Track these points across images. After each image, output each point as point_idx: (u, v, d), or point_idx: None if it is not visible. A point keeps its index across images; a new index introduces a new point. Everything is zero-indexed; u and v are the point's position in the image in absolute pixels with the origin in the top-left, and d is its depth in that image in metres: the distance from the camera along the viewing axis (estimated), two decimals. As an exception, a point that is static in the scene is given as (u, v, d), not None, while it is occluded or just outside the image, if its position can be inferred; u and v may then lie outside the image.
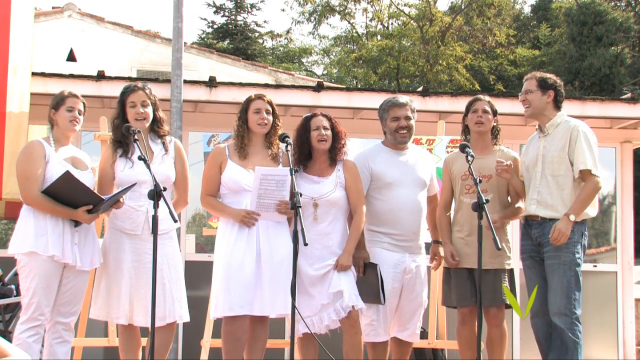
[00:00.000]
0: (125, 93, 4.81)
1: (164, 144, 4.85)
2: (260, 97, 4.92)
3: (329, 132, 4.93)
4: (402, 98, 5.27)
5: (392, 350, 5.29)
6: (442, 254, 5.26)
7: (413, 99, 5.42)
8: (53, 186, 4.51)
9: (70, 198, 4.52)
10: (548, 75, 5.26)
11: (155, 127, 4.85)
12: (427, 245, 5.39)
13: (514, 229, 8.09)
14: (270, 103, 4.92)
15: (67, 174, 4.49)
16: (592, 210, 5.08)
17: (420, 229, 5.20)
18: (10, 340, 4.38)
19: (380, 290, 4.90)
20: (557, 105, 5.20)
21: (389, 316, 5.11)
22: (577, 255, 4.98)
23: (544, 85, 5.17)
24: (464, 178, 5.19)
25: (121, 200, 4.64)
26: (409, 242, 5.13)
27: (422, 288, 5.22)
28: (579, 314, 4.97)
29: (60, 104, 4.72)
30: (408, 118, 5.19)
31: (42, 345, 4.74)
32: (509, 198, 5.27)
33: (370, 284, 4.91)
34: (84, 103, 4.81)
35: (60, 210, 4.54)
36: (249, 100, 4.93)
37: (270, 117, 4.90)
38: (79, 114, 4.75)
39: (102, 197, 4.57)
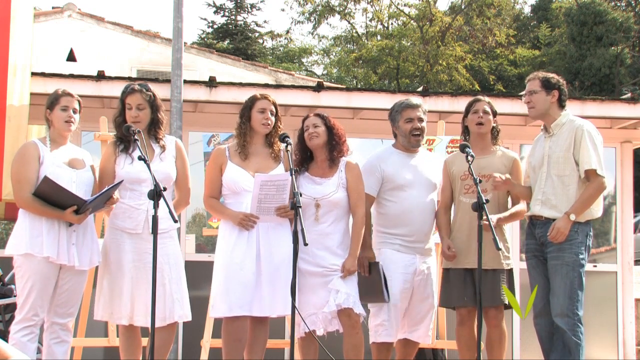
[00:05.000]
0: (124, 93, 4.82)
1: (159, 142, 4.84)
2: (265, 97, 4.92)
3: (319, 129, 4.92)
4: (415, 100, 5.27)
5: (397, 350, 5.29)
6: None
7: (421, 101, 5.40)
8: (38, 190, 4.52)
9: (57, 200, 4.52)
10: (550, 74, 5.23)
11: (153, 129, 4.84)
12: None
13: (513, 229, 8.09)
14: (274, 104, 4.92)
15: (46, 179, 4.49)
16: (597, 211, 5.07)
17: (431, 230, 5.22)
18: (8, 341, 4.39)
19: (383, 288, 4.90)
20: (561, 105, 5.18)
21: (399, 317, 5.10)
22: (580, 256, 4.97)
23: (547, 85, 5.15)
24: (464, 178, 5.19)
25: (114, 196, 4.64)
26: (420, 244, 5.14)
27: (433, 289, 5.22)
28: (581, 315, 4.96)
29: (55, 103, 4.71)
30: (421, 120, 5.19)
31: (40, 344, 4.73)
32: (508, 198, 5.27)
33: (374, 283, 4.92)
34: (79, 101, 4.79)
35: (50, 212, 4.54)
36: (253, 99, 4.92)
37: (274, 118, 4.91)
38: (74, 113, 4.73)
39: (84, 199, 4.56)
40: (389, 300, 4.97)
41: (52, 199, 4.51)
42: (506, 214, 5.16)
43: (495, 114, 5.29)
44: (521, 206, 5.22)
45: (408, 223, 5.10)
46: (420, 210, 5.13)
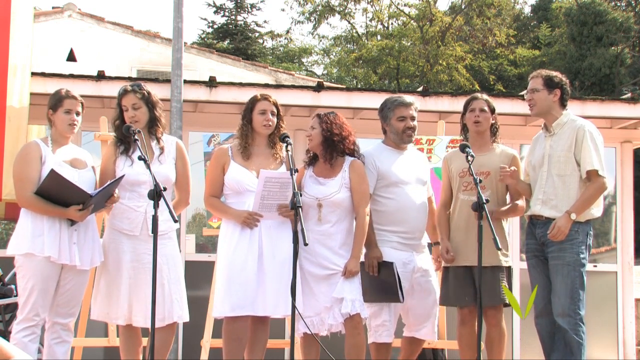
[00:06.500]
0: (119, 96, 4.82)
1: (159, 142, 4.84)
2: (266, 97, 4.91)
3: (314, 132, 4.91)
4: (408, 98, 5.24)
5: (402, 348, 5.28)
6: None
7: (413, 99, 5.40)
8: (43, 186, 4.51)
9: (61, 197, 4.51)
10: (554, 73, 5.22)
11: (152, 127, 4.84)
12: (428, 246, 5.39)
13: (513, 229, 8.09)
14: (275, 104, 4.91)
15: (52, 173, 4.48)
16: (597, 211, 5.07)
17: (425, 226, 5.21)
18: (9, 340, 4.38)
19: (398, 288, 4.87)
20: (563, 104, 5.18)
21: (396, 317, 5.10)
22: (581, 256, 4.97)
23: (550, 84, 5.15)
24: (462, 175, 5.20)
25: (115, 194, 4.64)
26: (416, 240, 5.13)
27: (435, 285, 5.21)
28: (583, 315, 4.96)
29: (58, 105, 4.70)
30: (413, 118, 5.18)
31: (41, 344, 4.73)
32: (507, 196, 5.27)
33: (388, 283, 4.88)
34: (82, 103, 4.79)
35: (53, 210, 4.54)
36: (254, 100, 4.91)
37: (275, 119, 4.90)
38: (77, 115, 4.74)
39: (89, 192, 4.56)
40: (404, 301, 4.94)
41: (56, 195, 4.51)
42: (504, 207, 5.17)
43: (493, 111, 5.29)
44: (520, 202, 5.23)
45: (406, 220, 5.08)
46: (416, 207, 5.11)
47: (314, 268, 4.83)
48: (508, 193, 5.27)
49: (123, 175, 4.63)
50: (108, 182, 4.61)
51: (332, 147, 4.89)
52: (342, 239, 4.88)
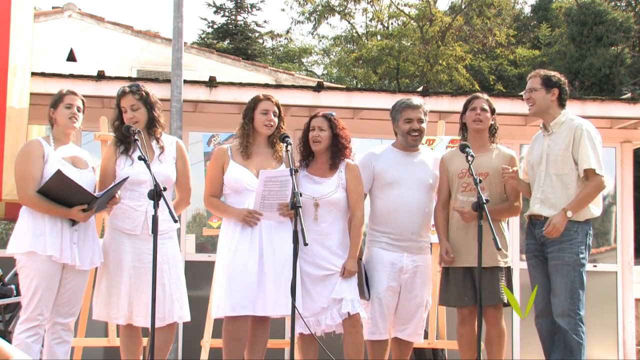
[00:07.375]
0: (118, 97, 4.82)
1: (158, 142, 4.84)
2: (268, 98, 4.92)
3: (324, 134, 4.92)
4: (416, 100, 5.26)
5: (392, 350, 5.30)
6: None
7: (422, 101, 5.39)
8: (46, 186, 4.51)
9: (64, 197, 4.51)
10: (552, 73, 5.24)
11: (151, 128, 4.84)
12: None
13: (513, 229, 8.09)
14: (277, 105, 4.93)
15: (59, 173, 4.48)
16: (596, 210, 5.07)
17: (420, 229, 5.19)
18: (9, 341, 4.38)
19: (364, 285, 4.92)
20: (562, 103, 5.18)
21: (387, 315, 5.10)
22: (581, 256, 4.97)
23: (548, 83, 5.16)
24: (461, 176, 5.19)
25: (116, 196, 4.64)
26: (407, 242, 5.12)
27: (423, 288, 5.20)
28: (582, 315, 4.96)
29: (59, 102, 4.73)
30: (420, 121, 5.18)
31: (43, 345, 4.74)
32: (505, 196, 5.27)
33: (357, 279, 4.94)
34: (82, 100, 4.81)
35: (56, 210, 4.53)
36: (256, 100, 4.92)
37: (276, 119, 4.91)
38: (78, 111, 4.75)
39: (95, 194, 4.56)
40: (369, 299, 4.98)
41: (60, 195, 4.50)
42: (502, 207, 5.16)
43: (493, 111, 5.29)
44: (516, 202, 5.22)
45: (394, 221, 5.09)
46: (407, 209, 5.11)
47: (311, 269, 4.84)
48: (505, 193, 5.27)
49: (127, 177, 4.63)
50: (113, 184, 4.61)
51: (341, 152, 4.93)
52: (339, 239, 4.89)
